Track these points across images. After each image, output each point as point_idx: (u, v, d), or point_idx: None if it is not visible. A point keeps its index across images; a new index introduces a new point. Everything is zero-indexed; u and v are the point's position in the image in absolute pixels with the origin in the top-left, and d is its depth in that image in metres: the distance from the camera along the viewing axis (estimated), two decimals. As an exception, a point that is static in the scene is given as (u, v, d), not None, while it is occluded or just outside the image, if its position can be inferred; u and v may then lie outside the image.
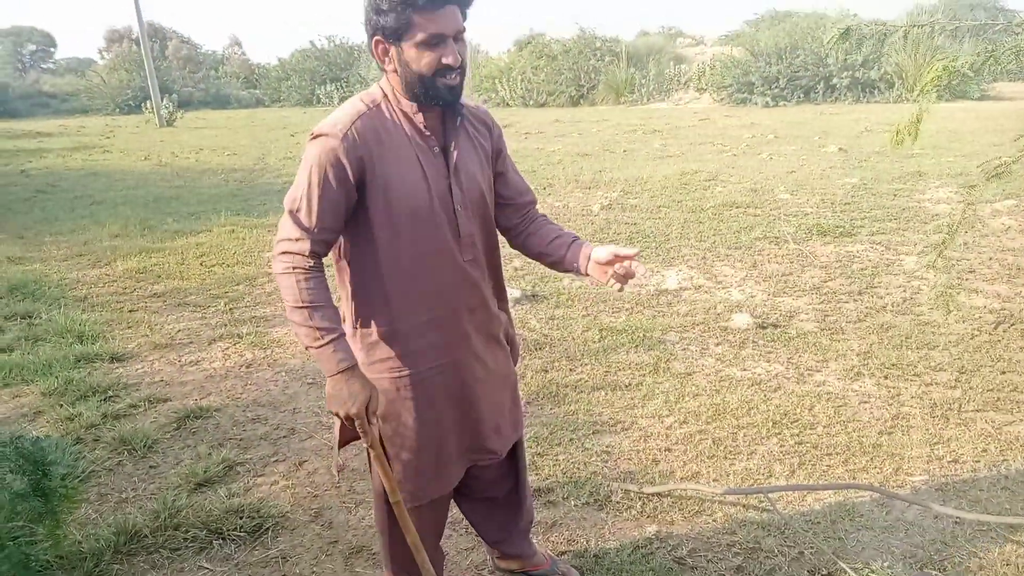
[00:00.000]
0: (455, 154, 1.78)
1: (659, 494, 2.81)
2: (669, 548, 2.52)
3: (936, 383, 3.63)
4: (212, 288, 5.67)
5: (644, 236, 6.61)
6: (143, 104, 25.07)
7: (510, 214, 1.99)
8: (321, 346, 1.66)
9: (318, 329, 1.66)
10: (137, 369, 4.25)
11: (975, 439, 3.11)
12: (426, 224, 1.74)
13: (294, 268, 1.66)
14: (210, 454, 3.23)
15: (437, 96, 1.69)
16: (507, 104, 27.39)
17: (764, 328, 4.43)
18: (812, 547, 2.47)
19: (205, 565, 2.52)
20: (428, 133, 1.75)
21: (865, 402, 3.47)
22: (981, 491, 2.76)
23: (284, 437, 3.40)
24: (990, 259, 5.50)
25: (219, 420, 3.59)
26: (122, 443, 3.33)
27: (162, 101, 22.83)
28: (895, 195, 7.83)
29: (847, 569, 2.35)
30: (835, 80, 19.56)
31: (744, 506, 2.73)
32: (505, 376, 2.02)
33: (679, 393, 3.65)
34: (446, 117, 1.79)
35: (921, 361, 3.86)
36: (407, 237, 1.73)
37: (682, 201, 7.95)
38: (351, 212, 1.73)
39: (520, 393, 2.27)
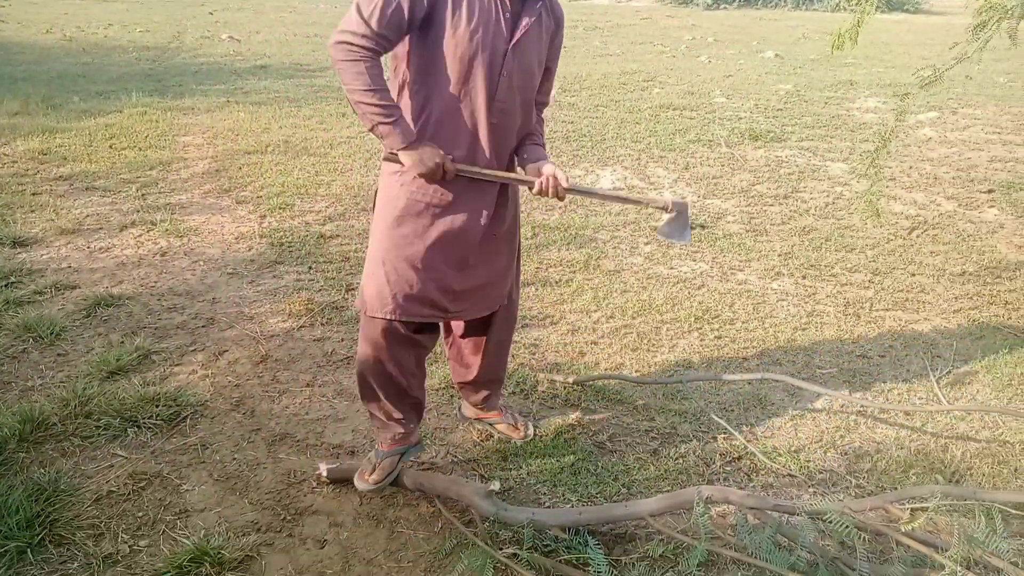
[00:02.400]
0: (523, 26, 1.90)
1: (581, 383, 2.87)
2: (591, 433, 2.60)
3: (851, 283, 3.77)
4: (122, 172, 5.32)
5: (580, 135, 6.52)
6: (40, -29, 22.66)
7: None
8: (392, 122, 1.84)
9: (387, 107, 1.82)
10: (42, 255, 3.99)
11: (882, 336, 3.28)
12: (471, 73, 1.87)
13: (360, 57, 1.78)
14: (123, 342, 3.10)
15: None
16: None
17: (692, 228, 4.48)
18: (724, 432, 2.59)
19: (119, 452, 2.45)
20: (506, 1, 1.86)
21: (783, 300, 3.59)
22: (884, 383, 2.92)
23: (203, 327, 3.29)
24: (910, 168, 5.68)
25: (132, 309, 3.43)
26: (26, 330, 3.15)
27: (62, -32, 20.67)
28: (826, 103, 7.91)
29: (754, 451, 2.47)
30: (777, -16, 19.29)
31: (663, 395, 2.82)
32: (509, 240, 2.21)
33: (608, 289, 3.69)
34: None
35: (838, 263, 4.00)
36: (451, 77, 1.87)
37: (620, 101, 7.83)
38: (412, 32, 1.86)
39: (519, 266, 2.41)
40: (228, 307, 3.46)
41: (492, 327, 2.36)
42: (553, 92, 2.18)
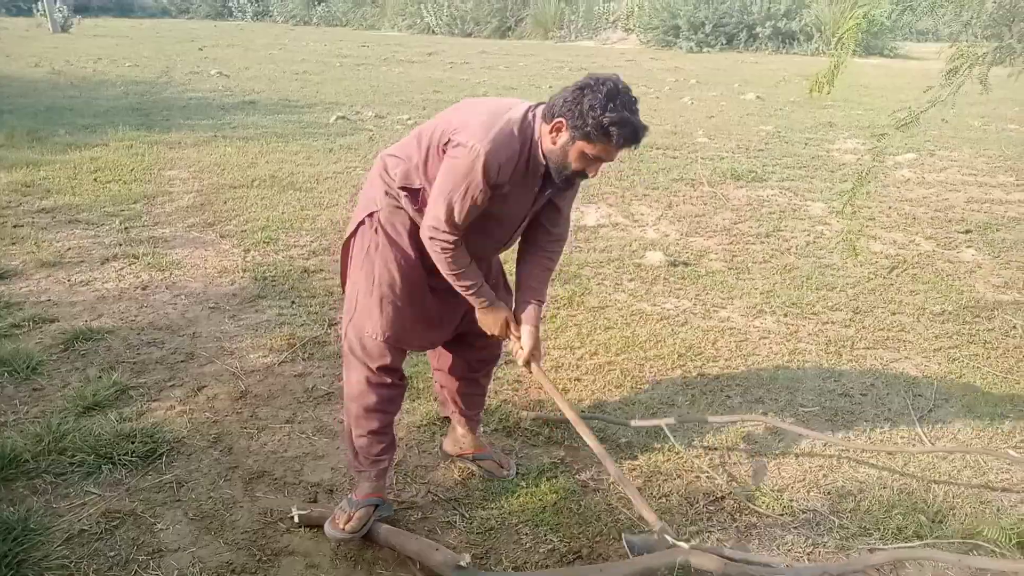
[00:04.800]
0: (544, 197, 2.16)
1: (566, 422, 2.85)
2: (573, 472, 2.57)
3: (832, 322, 3.80)
4: (106, 205, 5.30)
5: (565, 172, 6.58)
6: (33, 6, 22.84)
7: (538, 234, 2.29)
8: (475, 292, 2.17)
9: (472, 284, 2.15)
10: (21, 287, 3.95)
11: (864, 375, 3.29)
12: (498, 230, 2.19)
13: (443, 250, 2.07)
14: (100, 377, 3.06)
15: (560, 180, 2.05)
16: (432, 31, 26.48)
17: (675, 266, 4.51)
18: (707, 473, 2.57)
19: (93, 490, 2.40)
20: (540, 176, 2.08)
21: (765, 338, 3.61)
22: (866, 422, 2.93)
23: (182, 362, 3.25)
24: (889, 208, 5.77)
25: (111, 343, 3.39)
26: (1, 364, 3.09)
27: (55, 3, 20.85)
28: (806, 144, 8.07)
29: (736, 493, 2.46)
30: (758, 29, 19.81)
31: (646, 433, 2.80)
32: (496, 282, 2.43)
33: (592, 326, 3.69)
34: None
35: (820, 301, 4.03)
36: (485, 229, 2.14)
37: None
38: None
39: None
40: (208, 342, 3.43)
41: (486, 350, 2.50)
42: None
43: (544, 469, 2.58)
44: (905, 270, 4.51)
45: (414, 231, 2.15)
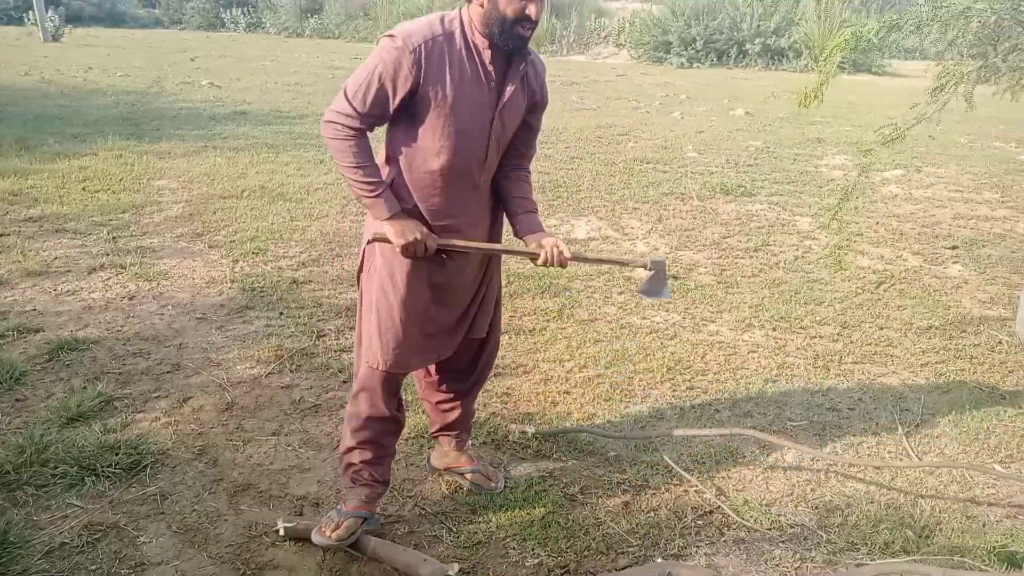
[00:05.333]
0: (507, 94, 2.01)
1: (554, 435, 2.84)
2: (562, 485, 2.56)
3: (820, 336, 3.82)
4: (95, 215, 5.27)
5: (556, 186, 6.60)
6: (25, 15, 22.77)
7: (506, 156, 2.18)
8: (375, 196, 1.97)
9: (371, 183, 1.96)
10: (6, 297, 3.91)
11: (852, 389, 3.31)
12: (462, 144, 1.99)
13: (345, 136, 1.92)
14: (85, 388, 3.03)
15: (508, 41, 1.91)
16: (425, 45, 26.53)
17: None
18: (696, 487, 2.57)
19: (75, 502, 2.37)
20: (490, 69, 1.96)
21: (754, 351, 3.62)
22: (854, 436, 2.94)
23: (168, 372, 3.22)
24: (877, 223, 5.82)
25: (96, 353, 3.36)
26: (-16, 374, 3.06)
27: (47, 13, 20.79)
28: (795, 159, 8.13)
29: (724, 507, 2.45)
30: (748, 46, 20.00)
31: (635, 447, 2.80)
32: (491, 285, 2.32)
33: (581, 339, 3.69)
34: (512, 60, 2.01)
35: (808, 315, 4.05)
36: (443, 150, 1.98)
37: (595, 154, 7.97)
38: (399, 111, 1.96)
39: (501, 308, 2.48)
40: (195, 353, 3.40)
41: (477, 364, 2.45)
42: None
43: (532, 482, 2.57)
44: (892, 285, 4.54)
45: None
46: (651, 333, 3.79)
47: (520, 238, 2.22)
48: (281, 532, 2.21)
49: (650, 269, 2.25)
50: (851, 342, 3.76)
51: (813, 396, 3.23)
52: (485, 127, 2.02)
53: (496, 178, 2.21)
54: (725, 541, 2.32)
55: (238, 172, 6.62)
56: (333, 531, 2.14)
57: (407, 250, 2.00)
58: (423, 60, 1.89)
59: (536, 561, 2.20)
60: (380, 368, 2.15)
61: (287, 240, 4.91)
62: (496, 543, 2.28)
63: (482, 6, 1.90)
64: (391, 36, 1.91)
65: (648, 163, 7.63)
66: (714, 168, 7.55)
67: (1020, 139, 9.44)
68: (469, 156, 2.03)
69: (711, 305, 4.17)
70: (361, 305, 2.22)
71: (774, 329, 3.88)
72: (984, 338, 3.84)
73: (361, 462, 2.25)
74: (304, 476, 2.57)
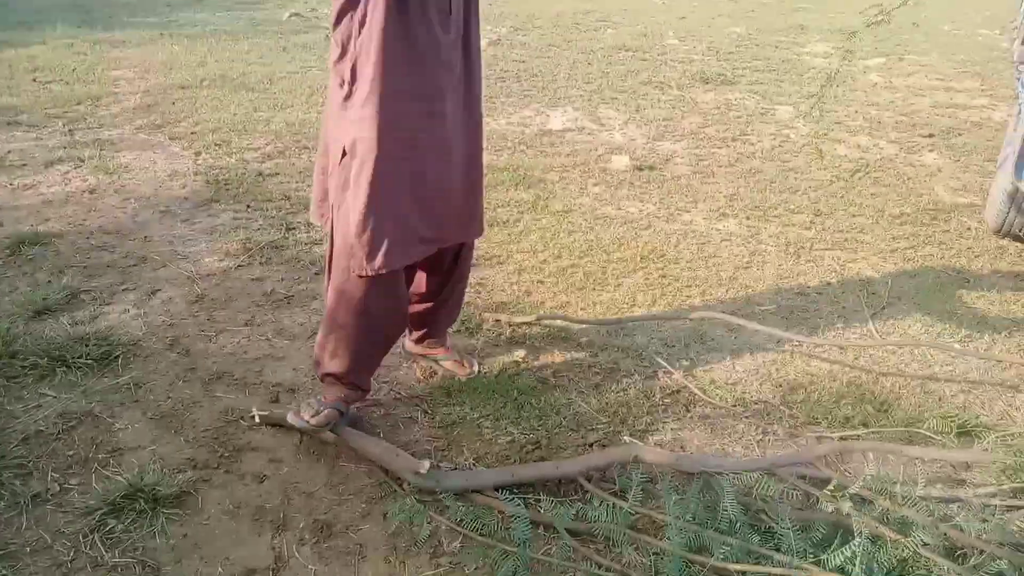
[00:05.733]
0: None
1: (527, 323, 2.86)
2: (535, 370, 2.60)
3: (793, 224, 3.83)
4: (48, 107, 5.03)
5: (531, 75, 6.40)
6: None
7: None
8: None
9: None
10: (-41, 192, 3.77)
11: (821, 274, 3.35)
12: (442, 24, 1.91)
13: None
14: (50, 282, 2.97)
15: None
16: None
17: (641, 170, 4.47)
18: (664, 367, 2.62)
19: (48, 392, 2.36)
20: None
21: (727, 240, 3.63)
22: (820, 319, 2.99)
23: (134, 266, 3.16)
24: (856, 112, 5.74)
25: (59, 247, 3.28)
26: (-57, 269, 2.99)
27: None
28: (777, 47, 7.92)
29: (691, 386, 2.52)
30: (733, -73, 19.03)
31: (606, 333, 2.83)
32: (473, 170, 2.20)
33: (555, 230, 3.67)
34: None
35: (782, 204, 4.05)
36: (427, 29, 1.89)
37: (573, 41, 7.70)
38: None
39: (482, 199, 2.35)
40: (161, 246, 3.34)
41: (460, 260, 2.39)
42: None
43: (506, 367, 2.60)
44: (868, 173, 4.53)
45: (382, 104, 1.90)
46: (625, 223, 3.77)
47: None
48: (256, 419, 2.23)
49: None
50: (823, 229, 3.78)
51: (783, 281, 3.27)
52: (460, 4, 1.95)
53: None
54: (691, 417, 2.39)
55: (197, 61, 6.31)
56: (311, 416, 2.15)
57: None
58: None
59: (508, 438, 2.26)
60: (377, 268, 2.00)
61: (251, 132, 4.75)
62: (470, 423, 2.33)
63: None
64: None
65: (627, 51, 7.39)
66: (695, 56, 7.34)
67: (1005, 25, 9.23)
68: (448, 42, 1.96)
69: (686, 195, 4.14)
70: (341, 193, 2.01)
71: (748, 218, 3.88)
72: (954, 224, 3.88)
73: (341, 368, 2.16)
74: (278, 364, 2.58)
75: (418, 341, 2.59)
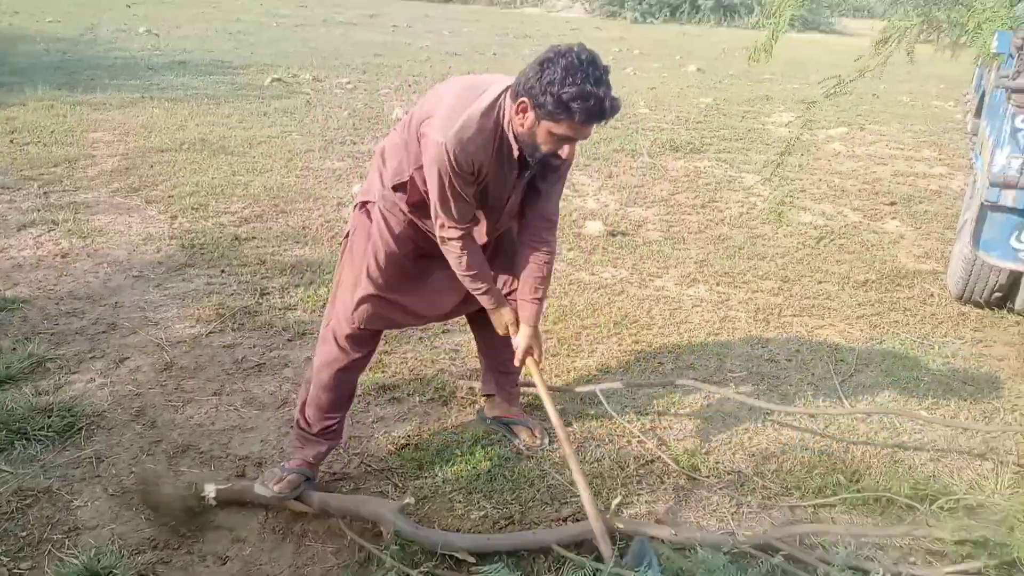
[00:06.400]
0: (524, 178, 2.10)
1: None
2: (508, 440, 2.58)
3: (761, 290, 3.90)
4: (24, 168, 5.03)
5: (506, 141, 6.53)
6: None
7: (529, 218, 2.23)
8: (481, 295, 2.20)
9: (482, 285, 2.17)
10: (-74, 256, 3.72)
11: (790, 341, 3.40)
12: (486, 216, 2.17)
13: (454, 248, 2.09)
14: (14, 349, 2.92)
15: (534, 160, 1.99)
16: (374, -6, 25.75)
17: (614, 236, 4.55)
18: (638, 437, 2.62)
19: (4, 468, 2.29)
20: (516, 160, 2.02)
21: (698, 306, 3.68)
22: (791, 386, 3.02)
23: (103, 332, 3.12)
24: (820, 180, 5.93)
25: (27, 313, 3.23)
26: (-96, 336, 2.92)
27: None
28: (743, 116, 8.20)
29: (664, 456, 2.52)
30: (700, 1, 19.94)
31: (580, 400, 2.83)
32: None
33: (528, 295, 3.69)
34: None
35: (751, 270, 4.13)
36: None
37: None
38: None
39: None
40: (132, 312, 3.30)
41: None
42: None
43: (479, 437, 2.58)
44: (832, 240, 4.65)
45: (408, 228, 2.16)
46: (599, 289, 3.82)
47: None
48: (212, 496, 2.13)
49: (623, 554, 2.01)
50: (791, 296, 3.85)
51: (753, 348, 3.31)
52: (500, 205, 2.14)
53: (522, 239, 2.26)
54: (665, 488, 2.38)
55: (177, 124, 6.37)
56: (276, 483, 2.12)
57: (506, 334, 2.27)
58: (476, 166, 1.95)
59: (481, 513, 2.23)
60: (355, 325, 2.18)
61: (228, 195, 4.77)
62: (442, 497, 2.29)
63: (522, 126, 1.91)
64: (445, 149, 1.89)
65: (599, 119, 7.59)
66: (665, 125, 7.57)
67: (958, 98, 9.68)
68: (484, 226, 2.19)
69: (658, 261, 4.21)
70: (343, 260, 2.26)
71: (718, 284, 3.95)
72: (917, 291, 3.98)
73: (317, 411, 2.24)
74: (246, 436, 2.54)
75: (488, 404, 2.67)
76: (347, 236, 2.26)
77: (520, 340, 2.24)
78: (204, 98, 7.43)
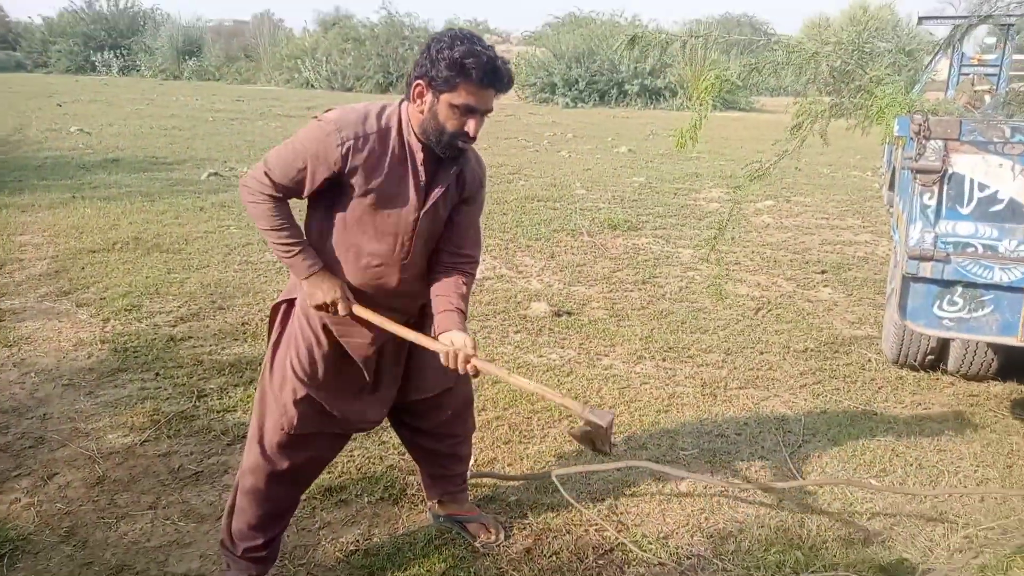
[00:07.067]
0: (435, 195, 1.97)
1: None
2: (463, 537, 2.50)
3: (706, 364, 3.96)
4: (-57, 276, 4.81)
5: (448, 226, 6.60)
6: None
7: (439, 252, 2.11)
8: (292, 256, 1.97)
9: (289, 242, 1.97)
10: None
11: (738, 415, 3.43)
12: (386, 240, 1.98)
13: (261, 201, 1.95)
14: (-72, 473, 2.71)
15: (444, 150, 1.91)
16: (311, 86, 26.28)
17: (559, 316, 4.59)
18: (596, 524, 2.57)
19: (-87, 607, 2.10)
20: (420, 170, 1.94)
21: (646, 383, 3.71)
22: (742, 461, 3.04)
23: (30, 447, 2.94)
24: (752, 252, 6.15)
25: (-57, 432, 3.03)
26: None
27: None
28: (675, 194, 8.53)
29: (626, 542, 2.47)
30: (627, 86, 21.01)
31: (535, 489, 2.78)
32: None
33: (479, 381, 3.65)
34: (443, 163, 1.97)
35: (694, 344, 4.20)
36: (366, 243, 1.98)
37: (488, 193, 8.03)
38: (316, 197, 1.98)
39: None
40: (61, 423, 3.13)
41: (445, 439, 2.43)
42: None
43: (432, 537, 2.49)
44: (770, 311, 4.80)
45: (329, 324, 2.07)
46: (548, 371, 3.82)
47: (435, 336, 2.06)
48: None
49: (586, 422, 2.01)
50: (735, 368, 3.92)
51: (702, 424, 3.33)
52: (408, 227, 1.97)
53: (437, 269, 2.11)
54: (626, 579, 2.33)
55: (109, 223, 6.25)
56: None
57: (320, 308, 2.00)
58: (350, 156, 1.87)
59: (438, 620, 2.13)
60: (284, 429, 2.09)
61: (164, 294, 4.65)
62: (396, 604, 2.19)
63: (422, 112, 1.88)
64: (322, 121, 1.89)
65: (539, 201, 7.79)
66: (601, 204, 7.80)
67: (874, 168, 10.31)
68: (390, 251, 1.99)
69: (604, 339, 4.25)
70: (271, 361, 2.13)
71: (664, 359, 4.00)
72: (855, 357, 4.10)
73: (243, 526, 2.14)
74: (185, 552, 2.39)
75: (440, 504, 2.55)
76: (270, 335, 2.17)
77: (455, 341, 2.00)
78: (138, 195, 7.34)
